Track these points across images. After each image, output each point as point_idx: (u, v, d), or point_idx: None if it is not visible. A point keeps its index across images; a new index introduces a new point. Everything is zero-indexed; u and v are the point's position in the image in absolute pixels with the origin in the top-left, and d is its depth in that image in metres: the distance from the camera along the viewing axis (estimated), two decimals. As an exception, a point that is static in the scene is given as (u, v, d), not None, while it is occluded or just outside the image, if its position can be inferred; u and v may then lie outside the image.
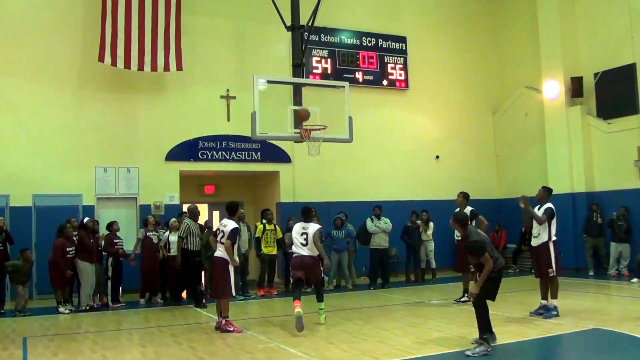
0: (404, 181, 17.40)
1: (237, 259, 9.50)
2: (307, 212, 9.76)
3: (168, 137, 14.89)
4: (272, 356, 7.62)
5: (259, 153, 15.69)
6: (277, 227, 13.60)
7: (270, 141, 14.73)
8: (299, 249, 9.37)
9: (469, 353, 7.33)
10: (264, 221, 13.45)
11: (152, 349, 8.22)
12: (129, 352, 8.27)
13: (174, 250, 12.50)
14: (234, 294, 9.57)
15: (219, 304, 9.26)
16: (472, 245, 7.61)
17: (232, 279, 9.24)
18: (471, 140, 18.95)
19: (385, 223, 14.35)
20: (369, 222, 14.32)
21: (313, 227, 9.42)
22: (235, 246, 9.29)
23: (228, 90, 15.44)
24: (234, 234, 9.24)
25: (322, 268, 9.73)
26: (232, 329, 9.01)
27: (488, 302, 7.56)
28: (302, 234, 9.35)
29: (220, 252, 9.07)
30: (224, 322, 9.12)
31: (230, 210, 9.69)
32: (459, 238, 11.49)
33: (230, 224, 9.09)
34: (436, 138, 18.23)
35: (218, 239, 9.20)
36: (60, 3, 14.01)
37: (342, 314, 10.82)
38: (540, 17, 17.37)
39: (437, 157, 18.12)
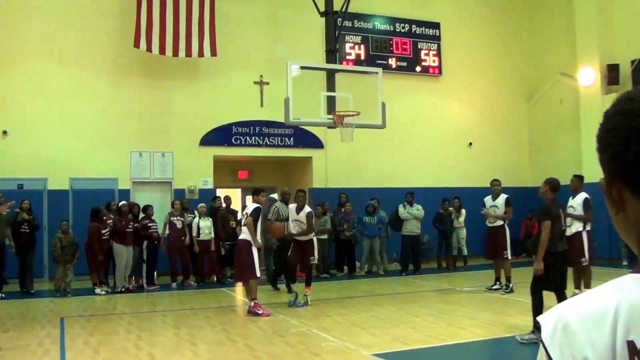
0: (436, 168, 17.38)
1: (259, 239, 9.59)
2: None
3: (202, 122, 15.05)
4: (304, 340, 7.66)
5: (292, 139, 15.84)
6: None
7: (304, 127, 14.75)
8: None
9: (518, 338, 7.38)
10: None
11: (185, 330, 8.33)
12: (163, 333, 8.41)
13: (205, 234, 12.83)
14: (258, 275, 9.61)
15: (247, 286, 9.36)
16: (542, 206, 7.66)
17: (256, 261, 9.31)
18: (504, 127, 18.82)
19: (418, 210, 14.40)
20: (401, 208, 14.35)
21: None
22: (258, 225, 9.34)
23: (261, 76, 15.57)
24: (256, 211, 9.37)
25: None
26: (260, 311, 9.09)
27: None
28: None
29: (244, 235, 9.15)
30: (252, 304, 9.21)
31: (253, 193, 10.02)
32: (492, 224, 11.43)
33: (251, 205, 9.36)
34: (469, 125, 18.16)
35: (243, 222, 9.31)
36: (97, -10, 14.26)
37: (373, 300, 10.86)
38: (577, 1, 17.02)
39: (470, 144, 18.04)
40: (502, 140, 18.71)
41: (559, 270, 7.55)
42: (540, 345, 1.00)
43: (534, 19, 19.37)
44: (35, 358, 6.79)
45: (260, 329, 8.46)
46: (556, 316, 0.98)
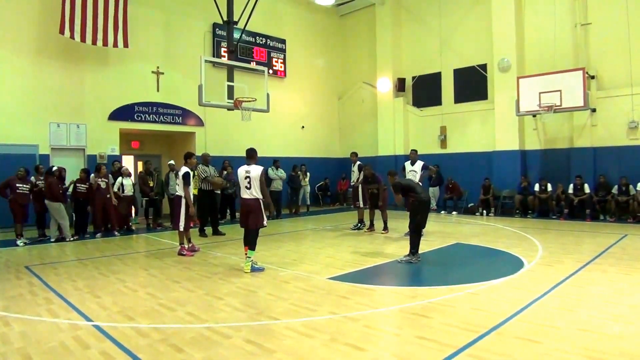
0: (285, 143, 19.68)
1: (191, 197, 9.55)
2: (249, 154, 7.98)
3: (110, 101, 15.42)
4: (261, 273, 7.67)
5: (180, 117, 16.88)
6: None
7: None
8: (244, 193, 7.85)
9: (399, 260, 8.08)
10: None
11: (154, 271, 7.95)
12: (137, 274, 7.78)
13: (127, 191, 13.32)
14: (181, 229, 9.53)
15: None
16: (394, 184, 8.29)
17: (182, 215, 9.38)
18: (324, 116, 21.67)
19: (282, 172, 16.44)
20: (270, 171, 16.04)
21: (256, 170, 7.80)
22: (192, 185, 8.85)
23: (158, 67, 16.46)
24: (185, 177, 9.27)
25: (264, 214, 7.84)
26: (184, 253, 9.46)
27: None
28: (245, 177, 7.80)
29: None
30: (179, 247, 9.54)
31: (185, 158, 9.77)
32: (353, 183, 13.24)
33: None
34: (302, 113, 20.75)
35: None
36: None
37: (274, 238, 11.41)
38: (378, 35, 19.98)
39: (303, 127, 20.75)
40: (322, 125, 21.68)
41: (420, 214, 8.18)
42: None
43: (347, 43, 22.11)
44: (42, 307, 5.91)
45: (215, 264, 8.31)
46: None
